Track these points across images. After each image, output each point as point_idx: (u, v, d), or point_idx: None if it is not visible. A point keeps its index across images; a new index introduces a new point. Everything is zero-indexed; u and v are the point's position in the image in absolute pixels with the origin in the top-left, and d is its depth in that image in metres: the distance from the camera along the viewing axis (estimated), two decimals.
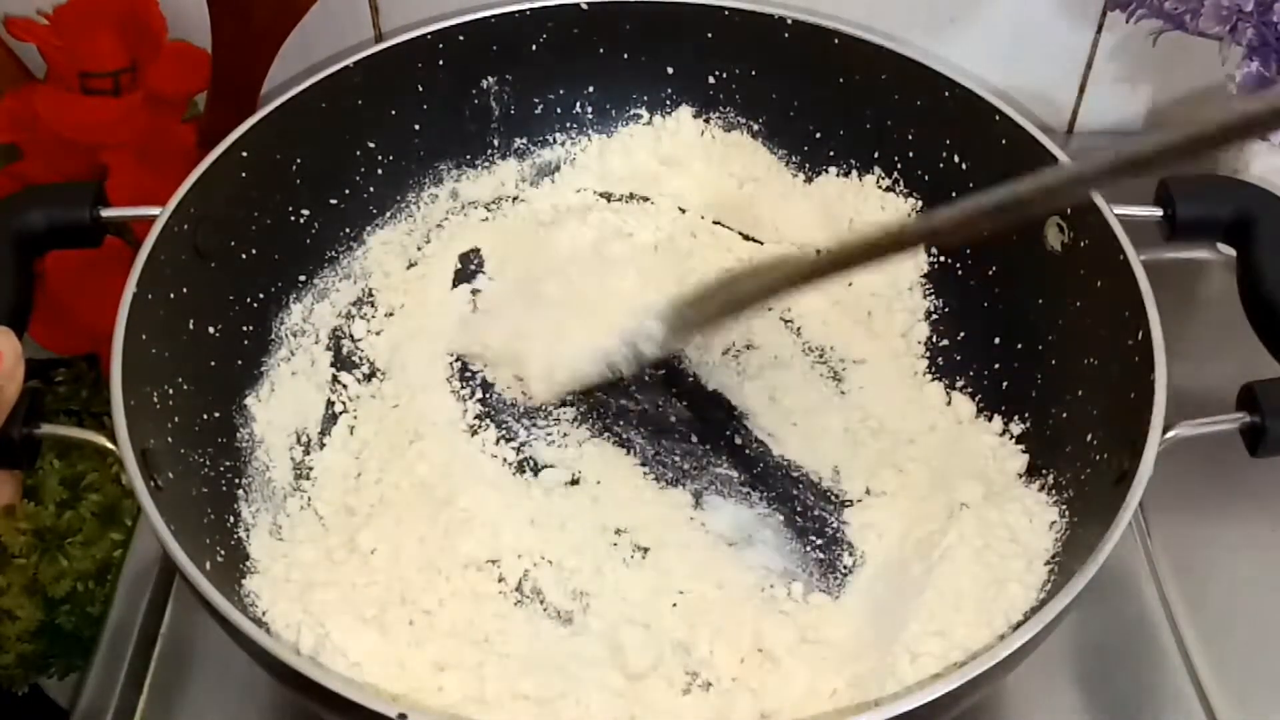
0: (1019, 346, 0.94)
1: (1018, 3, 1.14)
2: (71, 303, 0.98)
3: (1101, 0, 1.14)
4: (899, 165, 1.02)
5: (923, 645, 0.77)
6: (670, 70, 1.06)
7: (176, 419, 0.83)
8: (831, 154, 1.05)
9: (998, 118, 0.94)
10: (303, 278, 0.98)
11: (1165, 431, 0.76)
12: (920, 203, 1.01)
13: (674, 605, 0.84)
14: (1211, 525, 0.96)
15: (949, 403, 0.95)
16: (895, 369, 0.97)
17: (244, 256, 0.94)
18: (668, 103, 1.08)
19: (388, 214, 1.03)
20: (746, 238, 1.05)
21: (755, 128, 1.07)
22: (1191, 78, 1.16)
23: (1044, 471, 0.87)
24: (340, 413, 0.95)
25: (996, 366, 0.94)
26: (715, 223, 1.06)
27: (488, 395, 0.97)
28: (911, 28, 1.13)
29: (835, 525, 0.89)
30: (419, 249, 1.04)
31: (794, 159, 1.06)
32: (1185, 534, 0.94)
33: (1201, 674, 0.88)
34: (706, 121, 1.08)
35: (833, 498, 0.91)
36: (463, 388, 0.97)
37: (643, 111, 1.08)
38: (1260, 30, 0.98)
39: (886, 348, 0.98)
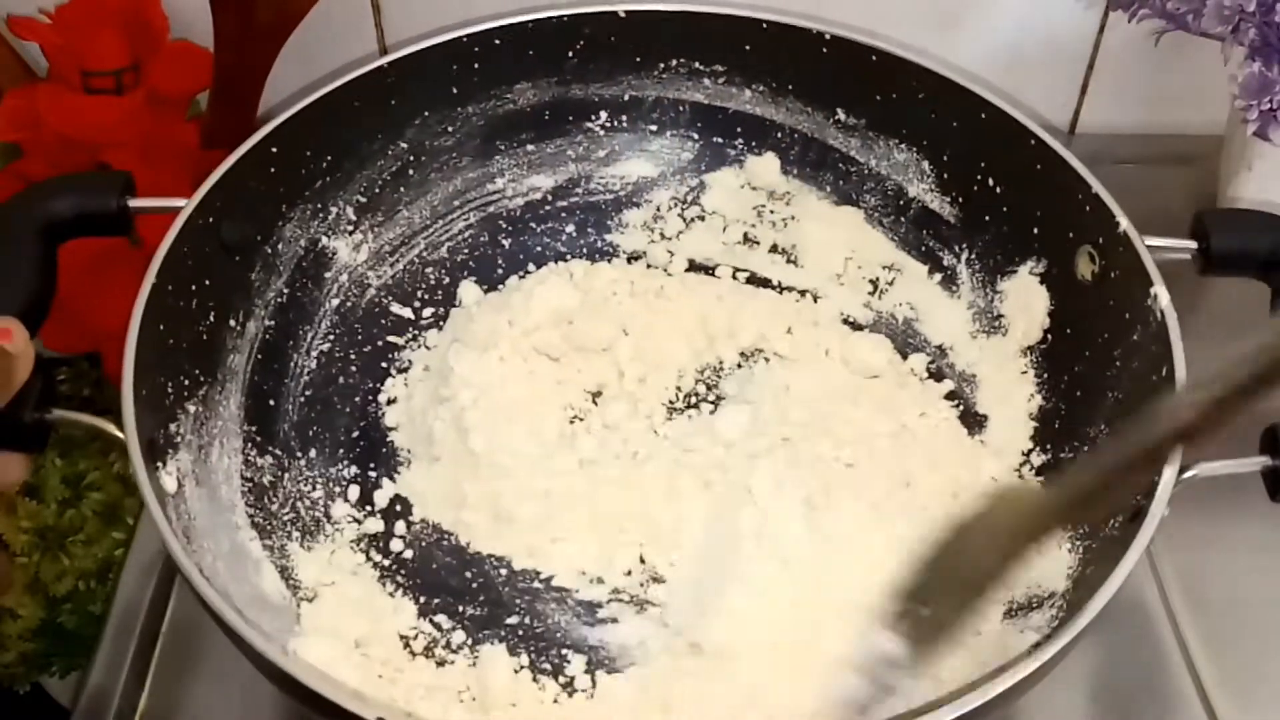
0: (1045, 377, 0.94)
1: (1020, 3, 1.15)
2: (74, 302, 0.96)
3: (1104, 0, 1.14)
4: (933, 184, 1.02)
5: (926, 680, 0.77)
6: (707, 83, 1.06)
7: (189, 410, 0.83)
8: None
9: (1033, 142, 0.93)
10: (329, 275, 0.98)
11: (1183, 472, 0.75)
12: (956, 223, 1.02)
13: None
14: (1219, 545, 0.95)
15: (970, 432, 0.95)
16: (918, 394, 0.97)
17: (269, 251, 0.94)
18: (703, 116, 1.08)
19: (418, 214, 1.03)
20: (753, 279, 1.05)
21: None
22: (1193, 78, 1.16)
23: None
24: None
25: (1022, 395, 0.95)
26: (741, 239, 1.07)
27: None
28: (913, 27, 1.13)
29: None
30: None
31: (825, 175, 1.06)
32: (1193, 555, 0.93)
33: (1209, 691, 0.87)
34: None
35: None
36: None
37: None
38: (1263, 30, 0.98)
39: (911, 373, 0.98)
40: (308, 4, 1.03)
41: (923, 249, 1.02)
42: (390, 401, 0.96)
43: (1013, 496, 0.70)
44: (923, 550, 0.68)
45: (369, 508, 0.90)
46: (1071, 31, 1.17)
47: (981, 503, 0.69)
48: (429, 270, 1.03)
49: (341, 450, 0.93)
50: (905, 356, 0.98)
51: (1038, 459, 0.91)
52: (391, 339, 0.99)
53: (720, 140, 1.07)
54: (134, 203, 0.86)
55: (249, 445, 0.89)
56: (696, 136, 1.07)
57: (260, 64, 1.05)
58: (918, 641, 0.68)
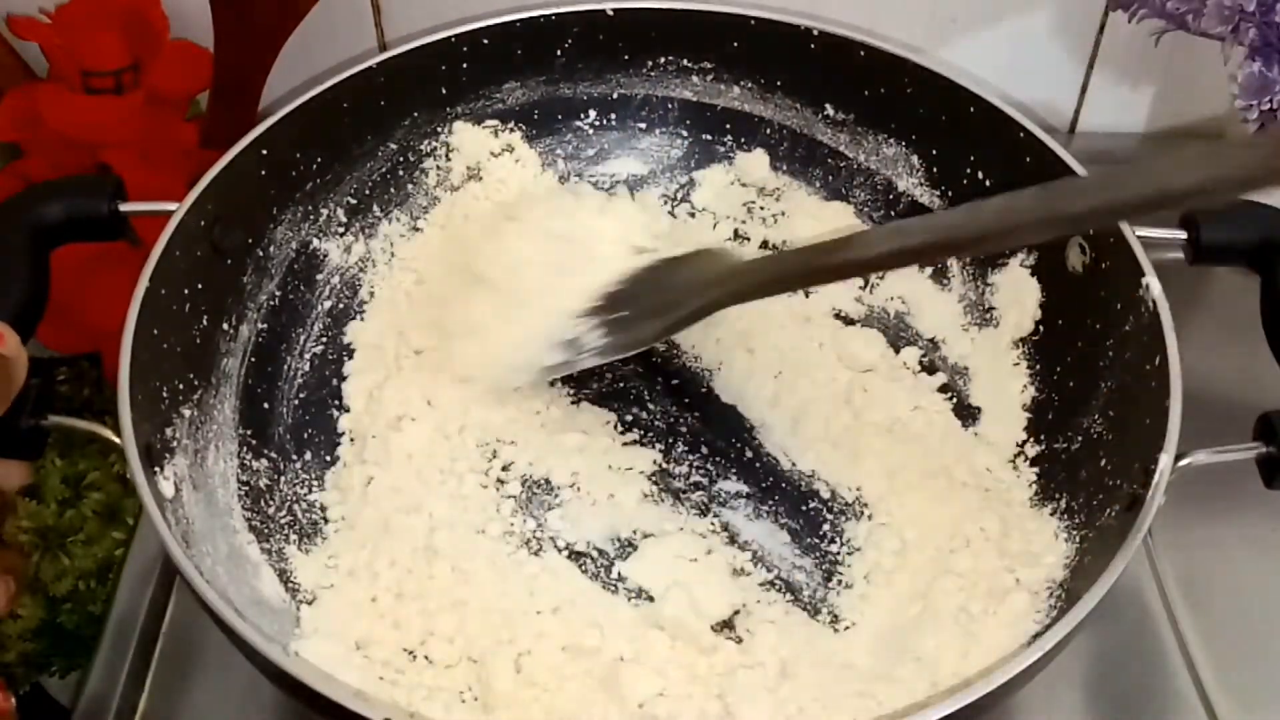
0: (1037, 368, 0.94)
1: (1020, 2, 1.14)
2: (74, 301, 0.97)
3: (1103, 0, 1.14)
4: (922, 178, 1.02)
5: (925, 672, 0.78)
6: (695, 80, 1.06)
7: (184, 414, 0.84)
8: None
9: (1022, 134, 0.94)
10: (320, 277, 0.99)
11: (1179, 460, 0.75)
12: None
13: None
14: (1217, 534, 0.95)
15: (964, 424, 0.95)
16: (911, 387, 0.97)
17: (261, 254, 0.94)
18: (692, 113, 1.08)
19: (409, 215, 1.03)
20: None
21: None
22: (1193, 78, 1.16)
23: (1057, 496, 0.86)
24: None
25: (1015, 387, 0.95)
26: (732, 235, 1.07)
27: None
28: (913, 27, 1.13)
29: (843, 546, 0.89)
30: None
31: (815, 171, 1.07)
32: (1190, 544, 0.93)
33: (1205, 681, 0.87)
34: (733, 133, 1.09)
35: (842, 517, 0.90)
36: None
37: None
38: (1262, 30, 0.98)
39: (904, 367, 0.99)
40: (308, 4, 1.04)
41: None
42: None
43: (721, 254, 0.90)
44: (631, 268, 0.87)
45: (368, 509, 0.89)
46: (1072, 31, 1.17)
47: (694, 250, 0.90)
48: None
49: (337, 452, 0.93)
50: (898, 350, 0.98)
51: (1032, 450, 0.90)
52: None
53: (709, 137, 1.08)
54: (125, 207, 0.86)
55: (244, 449, 0.89)
56: (685, 134, 1.08)
57: (260, 64, 1.05)
58: (611, 335, 0.86)
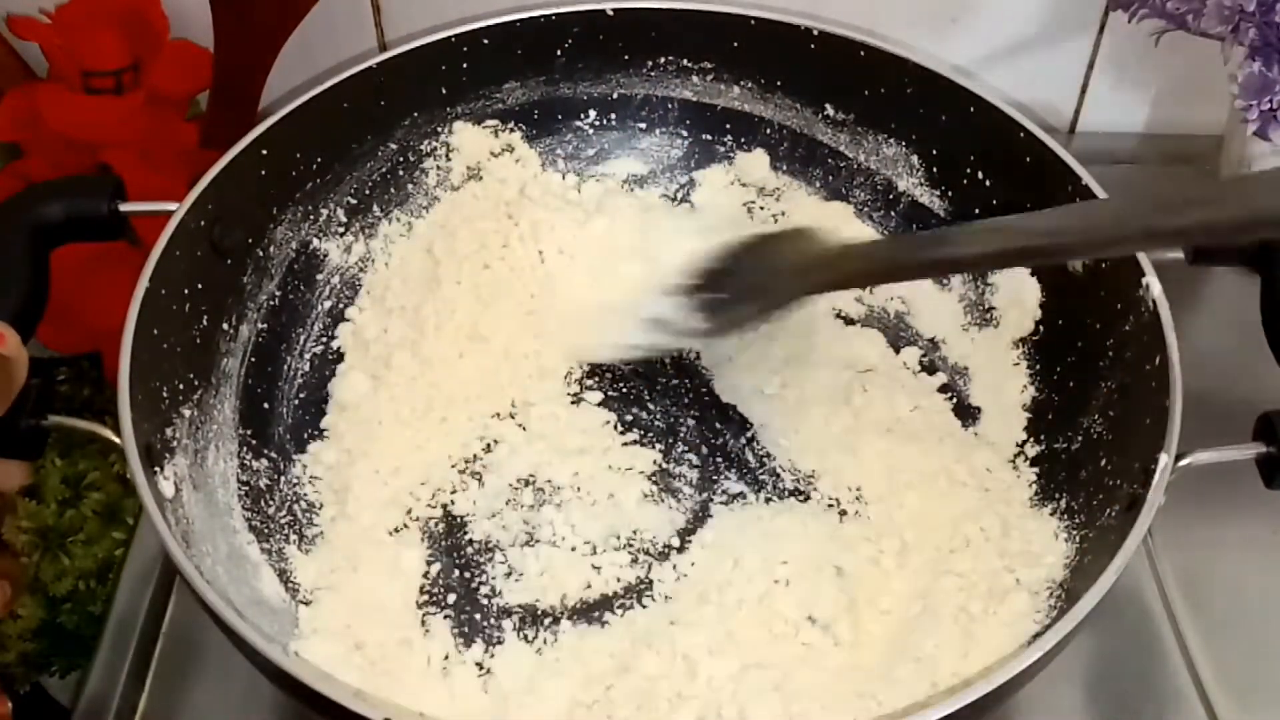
0: (1037, 368, 0.94)
1: (1020, 3, 1.14)
2: (74, 301, 0.97)
3: (1103, 0, 1.14)
4: (922, 178, 1.02)
5: (925, 672, 0.78)
6: (695, 80, 1.06)
7: (185, 414, 0.84)
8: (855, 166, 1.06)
9: (1022, 134, 0.94)
10: (320, 277, 0.99)
11: (1179, 460, 0.75)
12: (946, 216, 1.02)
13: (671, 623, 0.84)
14: (1216, 534, 0.95)
15: (964, 424, 0.95)
16: (911, 388, 0.97)
17: (261, 254, 0.94)
18: (692, 113, 1.08)
19: (409, 215, 1.03)
20: None
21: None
22: (1193, 78, 1.16)
23: (1057, 496, 0.86)
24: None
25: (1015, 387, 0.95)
26: None
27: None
28: (914, 27, 1.13)
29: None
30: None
31: (815, 171, 1.07)
32: (1190, 544, 0.93)
33: (1205, 681, 0.87)
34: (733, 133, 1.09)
35: (842, 516, 0.90)
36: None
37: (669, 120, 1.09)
38: (1262, 30, 0.98)
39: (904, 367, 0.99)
40: (308, 4, 1.04)
41: None
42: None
43: (813, 235, 0.86)
44: (730, 244, 0.87)
45: (366, 510, 0.89)
46: (1071, 31, 1.17)
47: (793, 229, 0.89)
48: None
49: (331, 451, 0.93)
50: (898, 350, 0.99)
51: (1032, 450, 0.91)
52: None
53: (709, 137, 1.08)
54: (125, 206, 0.86)
55: (244, 449, 0.89)
56: (685, 134, 1.08)
57: (260, 64, 1.05)
58: (709, 318, 0.86)
